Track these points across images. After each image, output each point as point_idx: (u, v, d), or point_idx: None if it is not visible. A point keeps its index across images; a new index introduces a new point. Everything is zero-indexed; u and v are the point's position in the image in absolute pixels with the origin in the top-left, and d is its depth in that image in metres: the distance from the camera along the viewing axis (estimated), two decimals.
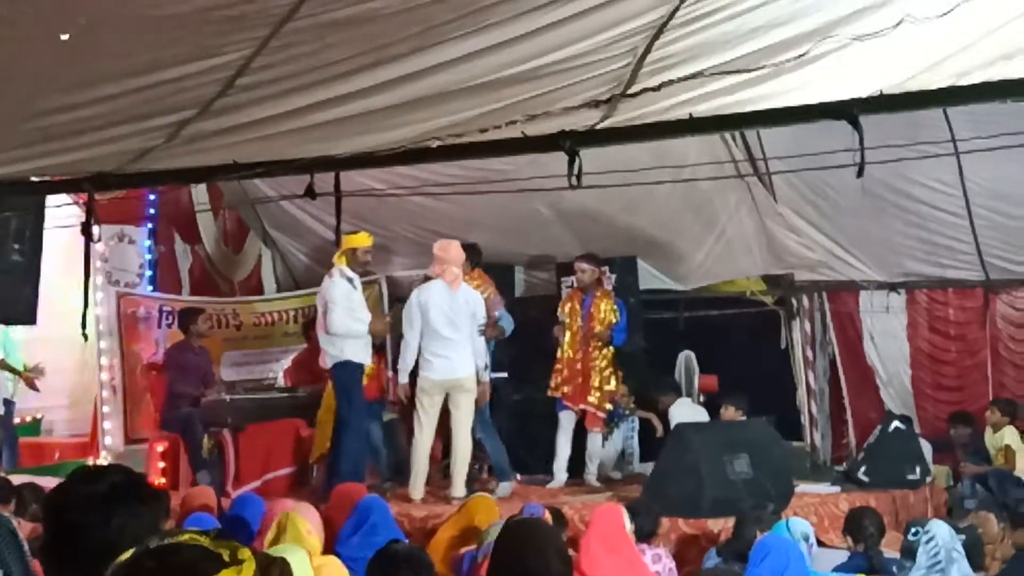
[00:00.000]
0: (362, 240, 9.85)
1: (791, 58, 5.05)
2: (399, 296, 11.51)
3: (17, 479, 8.82)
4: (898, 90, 5.26)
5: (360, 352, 9.69)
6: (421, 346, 9.53)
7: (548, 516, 6.83)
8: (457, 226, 11.54)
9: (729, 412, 10.86)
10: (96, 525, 2.50)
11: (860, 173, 5.28)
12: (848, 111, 5.15)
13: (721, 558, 7.16)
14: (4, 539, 3.50)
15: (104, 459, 10.81)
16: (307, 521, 5.58)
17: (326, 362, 9.65)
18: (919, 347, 12.44)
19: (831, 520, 8.69)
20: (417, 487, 9.52)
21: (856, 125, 5.07)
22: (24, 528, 6.81)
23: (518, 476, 11.03)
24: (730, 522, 7.78)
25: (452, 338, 9.49)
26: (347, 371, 9.61)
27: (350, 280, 9.68)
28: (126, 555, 2.05)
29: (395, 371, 10.34)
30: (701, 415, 11.31)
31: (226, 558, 2.04)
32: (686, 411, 11.17)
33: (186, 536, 2.08)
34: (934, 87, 5.24)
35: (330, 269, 9.79)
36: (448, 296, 9.56)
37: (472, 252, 10.29)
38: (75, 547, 2.50)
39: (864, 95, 5.24)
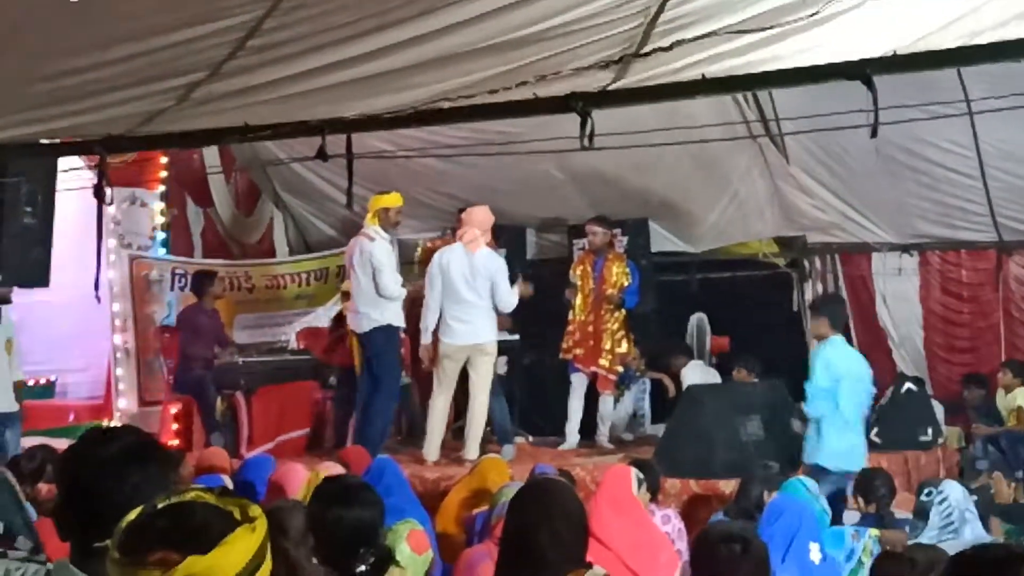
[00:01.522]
0: (394, 200, 9.81)
1: (804, 16, 5.02)
2: (410, 259, 11.52)
3: (31, 440, 8.86)
4: (911, 50, 5.22)
5: (399, 316, 9.70)
6: (442, 309, 9.55)
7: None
8: (469, 189, 11.53)
9: (741, 374, 10.89)
10: (109, 486, 2.50)
11: (874, 133, 5.25)
12: (861, 71, 5.11)
13: (728, 518, 7.18)
14: (4, 494, 3.51)
15: (118, 421, 10.85)
16: None
17: (361, 326, 9.60)
18: (931, 309, 12.41)
19: None
20: (432, 449, 9.56)
21: (870, 85, 5.03)
22: (40, 490, 6.86)
23: (530, 438, 11.08)
24: None
25: (471, 301, 9.49)
26: (388, 335, 9.62)
27: (388, 241, 9.70)
28: (133, 514, 2.06)
29: (406, 334, 10.36)
30: (713, 377, 11.33)
31: (238, 516, 2.05)
32: (698, 373, 11.20)
33: (192, 494, 2.09)
34: (947, 47, 5.20)
35: (364, 230, 9.73)
36: (466, 258, 9.56)
37: None
38: (88, 508, 2.50)
39: (877, 55, 5.20)
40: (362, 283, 9.56)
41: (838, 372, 8.34)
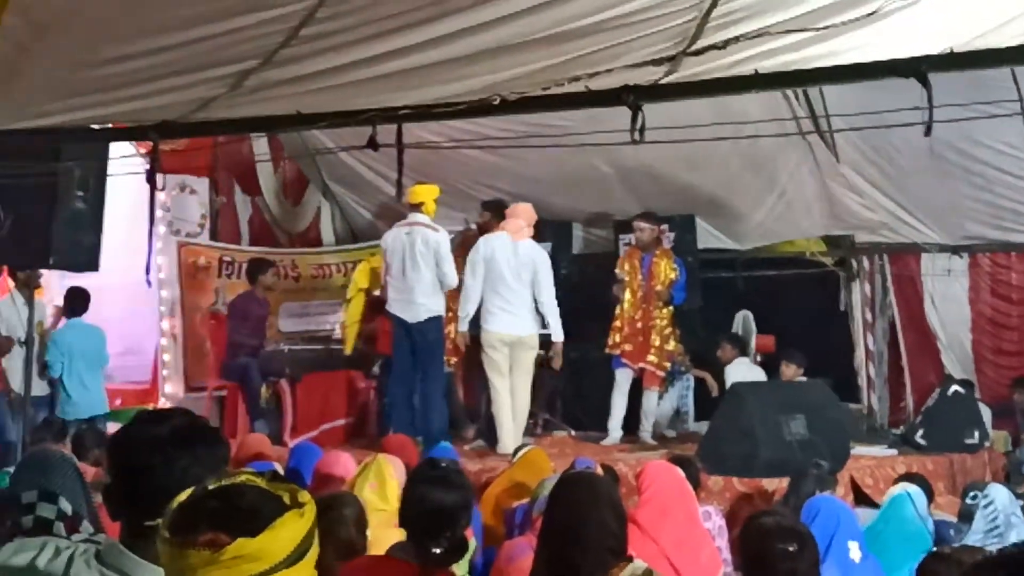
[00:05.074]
0: (435, 191, 9.88)
1: (860, 16, 4.98)
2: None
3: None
4: (968, 48, 5.17)
5: (444, 306, 9.78)
6: (485, 299, 9.56)
7: (600, 472, 6.83)
8: (515, 182, 11.53)
9: (791, 369, 10.80)
10: (160, 467, 2.52)
11: (928, 132, 5.21)
12: (917, 68, 5.07)
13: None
14: (72, 477, 3.55)
15: (164, 406, 10.94)
16: (392, 466, 5.90)
17: (418, 315, 9.61)
18: (981, 311, 12.30)
19: (887, 483, 8.61)
20: (507, 442, 9.43)
21: (925, 83, 4.99)
22: (87, 473, 6.92)
23: (572, 432, 11.09)
24: (784, 482, 7.76)
25: (516, 290, 9.50)
26: (440, 324, 9.72)
27: None
28: (184, 495, 2.07)
29: None
30: (758, 375, 11.27)
31: (287, 500, 2.06)
32: (743, 370, 11.13)
33: (243, 477, 2.10)
34: (1005, 45, 5.15)
35: (423, 221, 9.71)
36: (511, 248, 9.58)
37: (495, 206, 10.34)
38: (139, 488, 2.52)
39: (933, 52, 5.16)
40: (424, 273, 9.55)
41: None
